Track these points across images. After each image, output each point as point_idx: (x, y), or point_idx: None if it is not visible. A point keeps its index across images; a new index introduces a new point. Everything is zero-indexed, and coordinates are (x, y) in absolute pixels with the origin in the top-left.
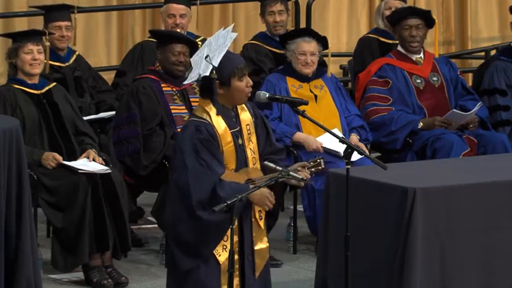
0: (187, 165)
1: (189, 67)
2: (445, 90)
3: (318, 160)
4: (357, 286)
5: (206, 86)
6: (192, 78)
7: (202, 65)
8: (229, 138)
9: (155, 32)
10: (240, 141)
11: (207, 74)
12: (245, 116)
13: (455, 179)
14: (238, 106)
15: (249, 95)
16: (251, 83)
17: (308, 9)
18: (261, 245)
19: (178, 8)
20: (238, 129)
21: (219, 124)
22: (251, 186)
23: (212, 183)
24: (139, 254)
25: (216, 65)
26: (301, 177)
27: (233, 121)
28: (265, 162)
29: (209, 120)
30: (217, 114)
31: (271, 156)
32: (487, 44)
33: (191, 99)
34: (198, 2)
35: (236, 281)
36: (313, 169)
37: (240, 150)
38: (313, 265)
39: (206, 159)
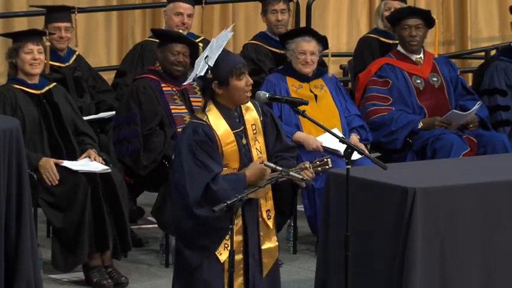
0: (184, 166)
1: (188, 68)
2: (445, 91)
3: (325, 159)
4: (357, 286)
5: (206, 87)
6: (189, 78)
7: (200, 65)
8: (230, 138)
9: (157, 31)
10: (244, 141)
11: (203, 73)
12: (250, 116)
13: (455, 179)
14: (242, 106)
15: (250, 94)
16: (251, 81)
17: (308, 9)
18: (269, 244)
19: (186, 8)
20: (242, 129)
21: (218, 125)
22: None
23: (207, 181)
24: (139, 254)
25: (212, 65)
26: (301, 177)
27: (236, 121)
28: (266, 162)
29: (208, 121)
30: (218, 114)
31: (282, 154)
32: (487, 44)
33: (191, 99)
34: (203, 2)
35: (239, 280)
36: (319, 168)
37: (245, 150)
38: (313, 265)
39: (202, 160)
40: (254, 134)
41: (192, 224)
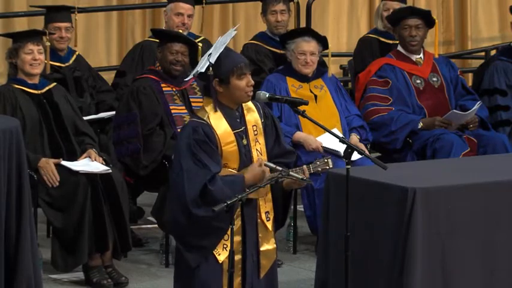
0: (183, 165)
1: (187, 67)
2: (445, 91)
3: (326, 160)
4: (357, 286)
5: (208, 86)
6: (191, 75)
7: (203, 62)
8: (230, 138)
9: (157, 31)
10: (244, 142)
11: (203, 70)
12: (251, 117)
13: (455, 179)
14: (244, 106)
15: (251, 94)
16: (252, 82)
17: (308, 9)
18: (268, 246)
19: (187, 8)
20: (243, 129)
21: (219, 124)
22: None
23: (205, 181)
24: (140, 254)
25: (213, 62)
26: (301, 177)
27: (237, 121)
28: (266, 162)
29: (208, 120)
30: (218, 114)
31: (280, 160)
32: (487, 44)
33: (191, 99)
34: (204, 3)
35: (237, 281)
36: (319, 169)
37: (245, 150)
38: (313, 265)
39: (201, 159)
40: (255, 134)
41: (189, 223)
